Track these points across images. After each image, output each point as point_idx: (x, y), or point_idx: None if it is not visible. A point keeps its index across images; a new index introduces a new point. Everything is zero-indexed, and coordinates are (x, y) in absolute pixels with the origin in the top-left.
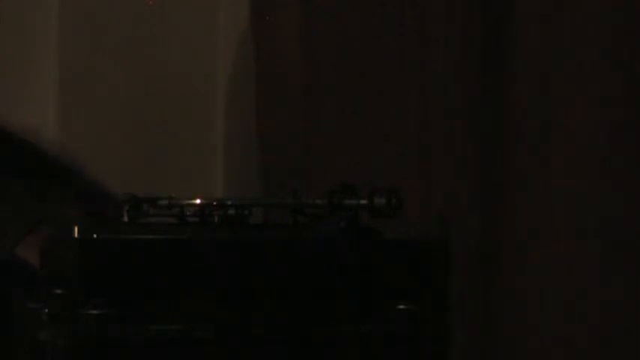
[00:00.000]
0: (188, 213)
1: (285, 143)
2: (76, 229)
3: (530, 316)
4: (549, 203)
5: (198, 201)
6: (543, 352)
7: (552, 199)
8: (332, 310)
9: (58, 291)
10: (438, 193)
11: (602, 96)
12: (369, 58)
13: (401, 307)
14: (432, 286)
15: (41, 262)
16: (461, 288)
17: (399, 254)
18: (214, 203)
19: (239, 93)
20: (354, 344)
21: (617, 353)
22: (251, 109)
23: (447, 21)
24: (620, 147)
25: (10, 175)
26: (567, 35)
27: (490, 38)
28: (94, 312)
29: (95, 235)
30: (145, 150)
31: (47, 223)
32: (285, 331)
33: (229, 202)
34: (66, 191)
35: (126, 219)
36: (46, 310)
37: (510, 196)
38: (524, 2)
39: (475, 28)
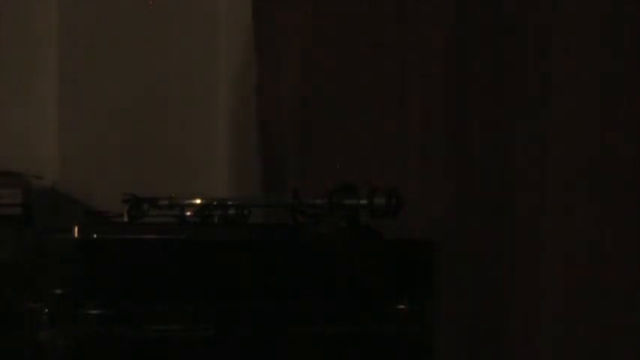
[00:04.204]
0: (188, 213)
1: (285, 143)
2: (76, 229)
3: (530, 319)
4: (545, 206)
5: (198, 201)
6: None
7: (547, 200)
8: (332, 309)
9: (58, 291)
10: (438, 193)
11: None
12: (369, 58)
13: (401, 307)
14: (432, 285)
15: (41, 262)
16: (460, 287)
17: (399, 254)
18: (214, 203)
19: (239, 93)
20: (354, 344)
21: None
22: (251, 110)
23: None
24: None
25: None
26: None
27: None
28: (94, 312)
29: (95, 235)
30: (145, 150)
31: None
32: (285, 331)
33: (229, 202)
34: None
35: (126, 219)
36: (46, 310)
37: (509, 197)
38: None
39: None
